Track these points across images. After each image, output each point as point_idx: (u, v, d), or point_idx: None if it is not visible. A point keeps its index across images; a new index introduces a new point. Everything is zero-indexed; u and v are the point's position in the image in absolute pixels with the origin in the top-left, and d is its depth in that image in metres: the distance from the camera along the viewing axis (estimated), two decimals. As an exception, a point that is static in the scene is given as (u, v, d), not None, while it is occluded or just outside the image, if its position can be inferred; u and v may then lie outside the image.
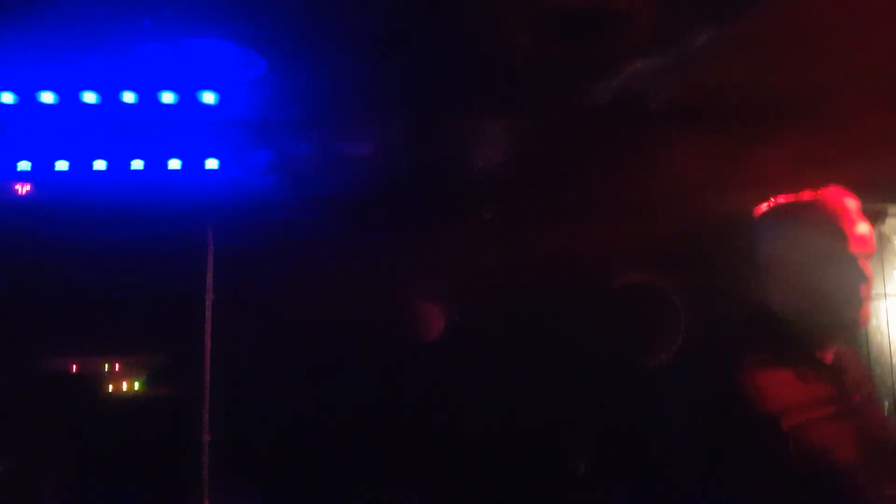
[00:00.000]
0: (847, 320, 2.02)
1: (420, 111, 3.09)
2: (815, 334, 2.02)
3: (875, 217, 3.25)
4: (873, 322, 3.27)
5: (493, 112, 3.15)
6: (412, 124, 3.11)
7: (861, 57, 2.63)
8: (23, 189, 3.00)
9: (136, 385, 3.21)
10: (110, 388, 3.20)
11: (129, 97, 2.90)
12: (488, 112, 3.15)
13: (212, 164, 3.05)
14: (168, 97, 2.91)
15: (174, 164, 3.05)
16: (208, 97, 2.92)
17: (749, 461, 3.18)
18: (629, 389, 3.23)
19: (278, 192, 3.08)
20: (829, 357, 2.06)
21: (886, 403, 3.21)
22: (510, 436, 3.18)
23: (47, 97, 2.89)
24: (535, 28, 2.49)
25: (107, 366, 3.21)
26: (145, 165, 3.05)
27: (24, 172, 3.03)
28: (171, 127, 3.06)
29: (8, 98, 2.91)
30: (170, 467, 3.08)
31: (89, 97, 2.90)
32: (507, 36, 2.55)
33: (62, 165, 3.04)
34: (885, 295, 3.30)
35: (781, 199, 2.13)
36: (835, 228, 1.98)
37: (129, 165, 3.05)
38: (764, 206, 2.17)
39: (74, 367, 3.19)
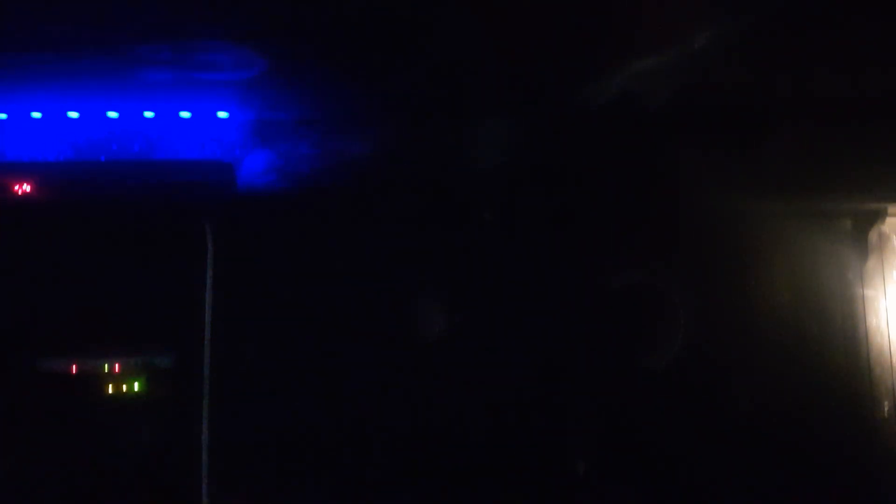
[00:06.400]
0: None
1: (420, 111, 3.10)
2: None
3: (875, 217, 3.26)
4: (873, 322, 3.26)
5: (492, 112, 3.15)
6: (412, 124, 3.12)
7: (860, 56, 2.64)
8: (23, 189, 3.00)
9: (136, 386, 3.20)
10: (110, 389, 3.20)
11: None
12: (488, 112, 3.15)
13: (210, 160, 3.06)
14: (168, 98, 2.93)
15: (173, 162, 3.06)
16: (208, 98, 2.93)
17: (750, 460, 3.17)
18: (628, 390, 3.23)
19: (278, 192, 3.08)
20: None
21: (886, 404, 3.21)
22: (510, 437, 3.18)
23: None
24: (535, 28, 2.50)
25: (107, 366, 3.20)
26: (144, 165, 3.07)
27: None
28: (171, 126, 3.07)
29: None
30: (169, 468, 3.08)
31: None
32: (507, 36, 2.56)
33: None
34: (885, 295, 3.29)
35: None
36: None
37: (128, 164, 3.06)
38: None
39: (74, 367, 3.19)
